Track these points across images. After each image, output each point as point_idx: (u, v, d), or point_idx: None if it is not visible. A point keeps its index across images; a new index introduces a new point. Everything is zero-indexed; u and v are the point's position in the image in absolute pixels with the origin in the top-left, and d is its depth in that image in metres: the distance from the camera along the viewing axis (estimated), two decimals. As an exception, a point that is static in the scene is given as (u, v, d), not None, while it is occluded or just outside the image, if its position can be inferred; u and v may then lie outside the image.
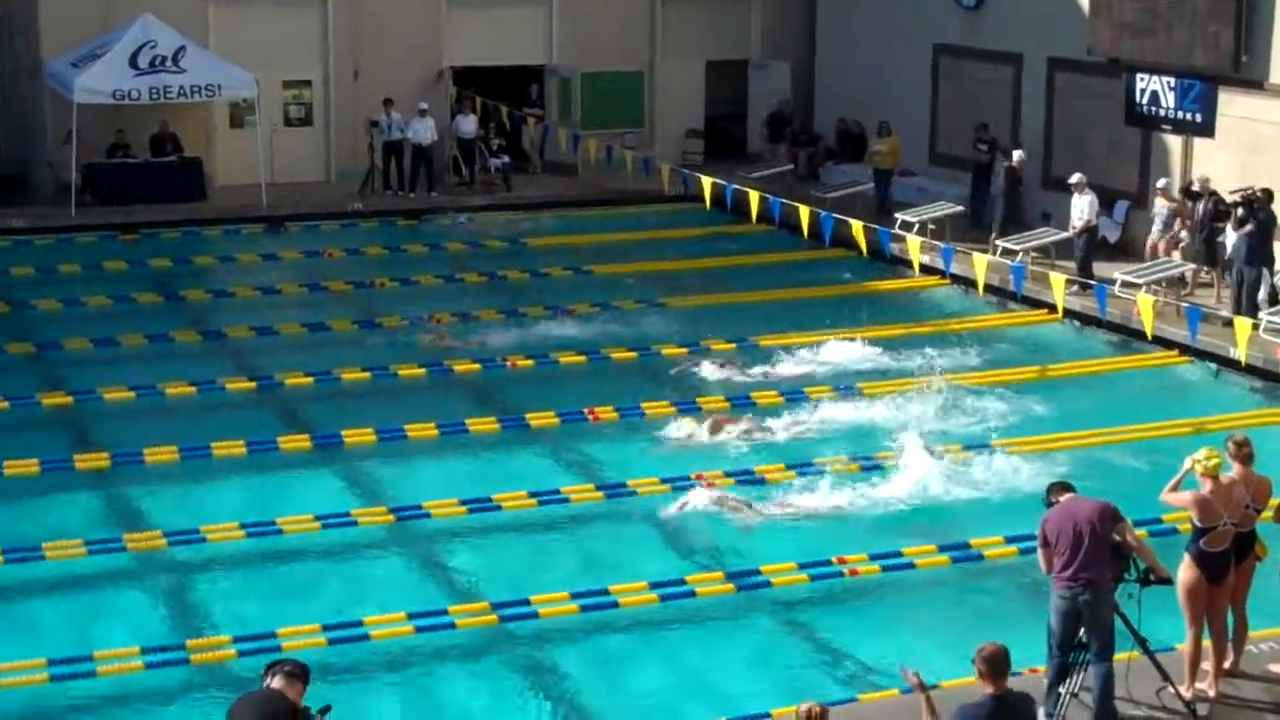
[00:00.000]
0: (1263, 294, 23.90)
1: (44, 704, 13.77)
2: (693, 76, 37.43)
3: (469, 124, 34.99)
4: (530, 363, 23.15)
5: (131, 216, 31.79)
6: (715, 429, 20.40)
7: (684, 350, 23.73)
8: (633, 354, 23.68)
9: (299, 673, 10.31)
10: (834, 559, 16.35)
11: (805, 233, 28.87)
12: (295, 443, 19.93)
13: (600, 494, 18.34)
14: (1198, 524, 12.84)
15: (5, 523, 17.48)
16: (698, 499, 17.92)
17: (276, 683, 10.20)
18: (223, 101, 33.53)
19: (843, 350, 23.52)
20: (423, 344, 24.32)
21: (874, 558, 16.48)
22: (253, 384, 22.31)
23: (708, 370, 22.85)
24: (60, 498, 18.30)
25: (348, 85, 35.05)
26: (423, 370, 22.82)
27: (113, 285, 27.61)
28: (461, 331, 24.93)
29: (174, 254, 29.97)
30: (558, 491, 18.27)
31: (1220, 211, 25.31)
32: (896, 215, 29.81)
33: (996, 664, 10.42)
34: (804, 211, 28.16)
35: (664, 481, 18.50)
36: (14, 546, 16.54)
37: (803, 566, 16.24)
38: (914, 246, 26.68)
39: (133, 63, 31.72)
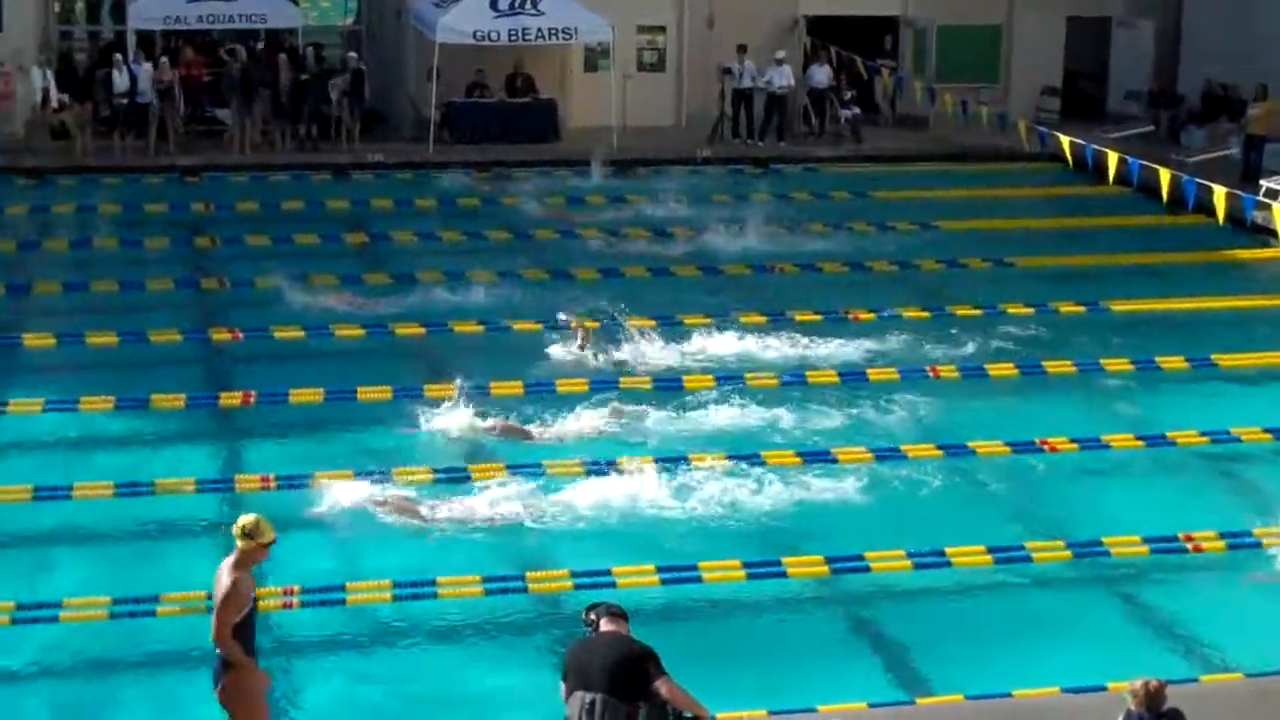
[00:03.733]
0: None
1: (390, 623, 14.14)
2: (1052, 32, 36.48)
3: (822, 74, 34.81)
4: (871, 316, 22.92)
5: (486, 155, 32.54)
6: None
7: (1031, 310, 23.21)
8: (977, 311, 23.26)
9: (621, 613, 10.33)
10: (1181, 535, 15.80)
11: (1165, 197, 27.95)
12: (635, 384, 20.10)
13: (940, 451, 18.02)
14: None
15: (359, 446, 18.04)
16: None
17: (607, 624, 10.23)
18: (578, 45, 33.99)
19: None
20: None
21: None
22: (596, 324, 22.55)
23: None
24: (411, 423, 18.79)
25: (701, 32, 35.20)
26: (763, 318, 22.78)
27: (466, 221, 28.28)
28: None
29: (525, 193, 30.52)
30: (897, 449, 18.02)
31: None
32: (1262, 182, 28.63)
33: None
34: (1164, 175, 27.26)
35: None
36: (364, 470, 17.03)
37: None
38: (1279, 215, 25.61)
39: (493, 4, 32.41)
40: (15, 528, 15.79)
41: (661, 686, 9.86)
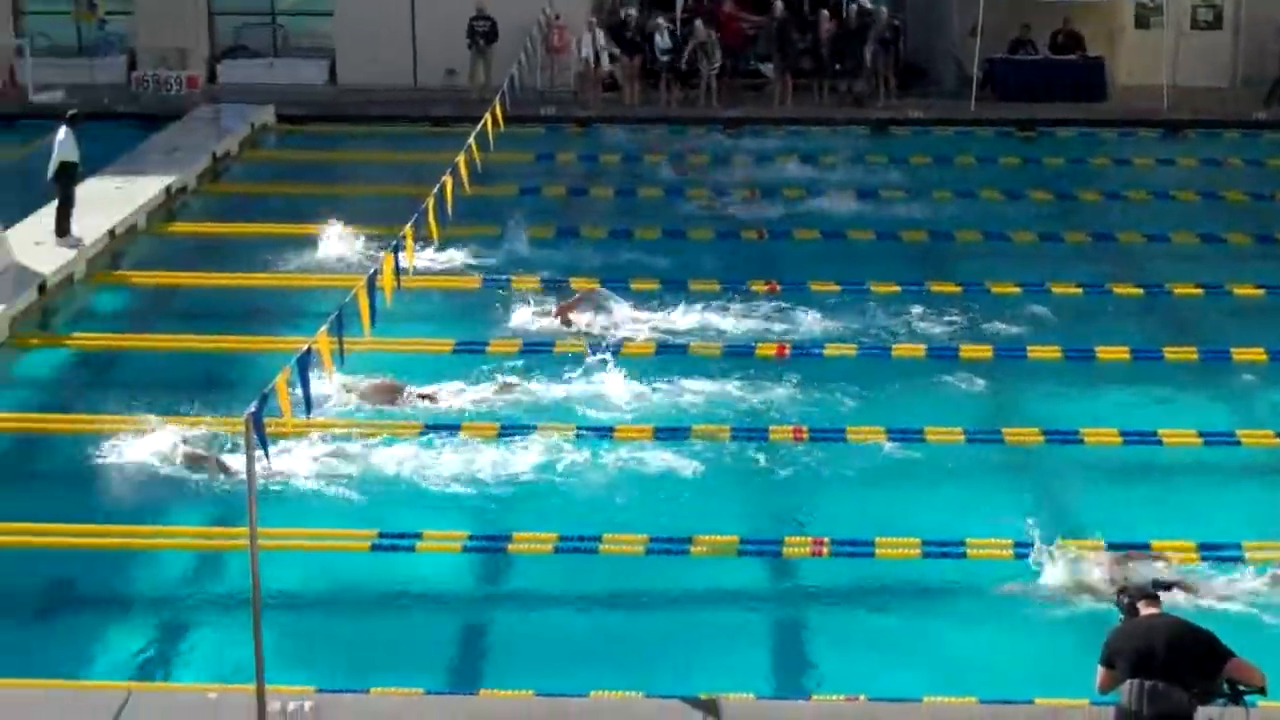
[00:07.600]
0: None
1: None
2: None
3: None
4: None
5: (1029, 114, 31.85)
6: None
7: None
8: None
9: (1155, 594, 10.26)
10: None
11: None
12: (1181, 354, 19.36)
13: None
14: None
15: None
16: None
17: (1145, 606, 10.08)
18: (1129, 1, 32.93)
19: None
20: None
21: None
22: (1140, 290, 21.86)
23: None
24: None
25: (1266, -12, 33.58)
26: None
27: (1006, 181, 27.79)
28: None
29: (1070, 154, 29.81)
30: None
31: None
32: None
33: None
34: None
35: None
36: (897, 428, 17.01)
37: None
38: None
39: (1045, -41, 31.70)
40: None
41: (1234, 665, 9.72)
